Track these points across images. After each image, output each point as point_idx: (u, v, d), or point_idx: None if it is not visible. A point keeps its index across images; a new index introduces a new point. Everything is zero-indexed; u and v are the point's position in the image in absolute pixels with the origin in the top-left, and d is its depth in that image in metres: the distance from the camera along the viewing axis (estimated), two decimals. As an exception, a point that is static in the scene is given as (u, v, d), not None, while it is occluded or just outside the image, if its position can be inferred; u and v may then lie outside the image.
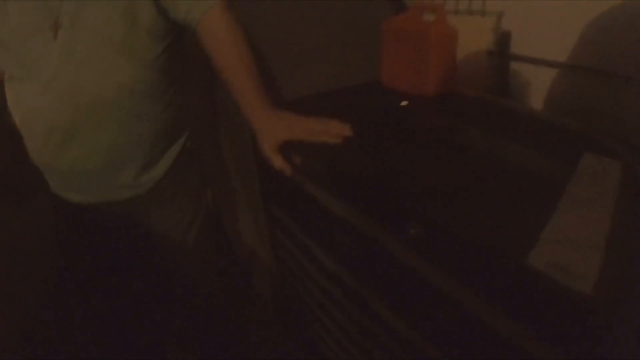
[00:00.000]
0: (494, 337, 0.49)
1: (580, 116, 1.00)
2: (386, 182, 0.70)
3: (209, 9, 0.82)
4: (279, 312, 1.14)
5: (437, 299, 0.54)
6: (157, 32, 0.83)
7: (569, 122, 0.91)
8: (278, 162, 0.79)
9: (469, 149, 0.80)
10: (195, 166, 1.02)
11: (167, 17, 0.83)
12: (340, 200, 0.70)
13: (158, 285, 1.03)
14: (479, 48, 1.16)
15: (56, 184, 0.92)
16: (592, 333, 0.45)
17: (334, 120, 0.80)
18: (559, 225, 0.58)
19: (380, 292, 0.67)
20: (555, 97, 1.14)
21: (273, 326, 1.21)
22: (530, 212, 0.61)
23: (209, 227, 1.07)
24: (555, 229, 0.57)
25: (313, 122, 0.81)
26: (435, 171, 0.74)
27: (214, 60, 0.85)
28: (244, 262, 1.27)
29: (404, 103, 0.97)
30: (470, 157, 0.77)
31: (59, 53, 0.77)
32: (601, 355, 0.42)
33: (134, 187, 0.91)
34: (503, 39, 1.16)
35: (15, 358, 1.00)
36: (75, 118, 0.80)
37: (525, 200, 0.64)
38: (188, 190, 1.00)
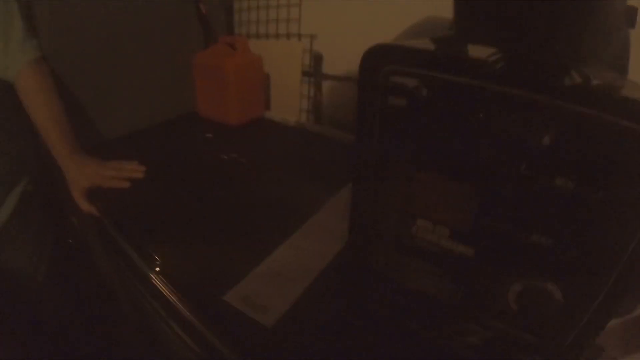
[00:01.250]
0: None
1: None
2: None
3: (23, 69, 0.87)
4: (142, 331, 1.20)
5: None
6: None
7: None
8: (84, 206, 0.88)
9: (245, 184, 0.89)
10: (38, 207, 1.06)
11: None
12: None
13: (16, 320, 1.05)
14: (295, 69, 1.25)
15: None
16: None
17: (128, 164, 0.93)
18: (275, 260, 0.67)
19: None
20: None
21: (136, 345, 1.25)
22: (261, 247, 0.70)
23: (61, 260, 1.12)
24: (269, 263, 0.67)
25: (109, 167, 0.91)
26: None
27: (27, 112, 0.91)
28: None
29: (208, 135, 1.05)
30: (236, 194, 0.85)
31: None
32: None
33: None
34: (316, 60, 1.26)
35: None
36: None
37: (262, 235, 0.73)
38: (33, 229, 1.04)
